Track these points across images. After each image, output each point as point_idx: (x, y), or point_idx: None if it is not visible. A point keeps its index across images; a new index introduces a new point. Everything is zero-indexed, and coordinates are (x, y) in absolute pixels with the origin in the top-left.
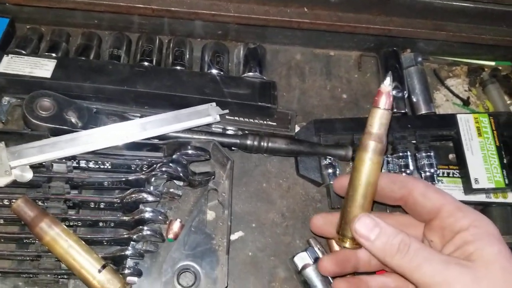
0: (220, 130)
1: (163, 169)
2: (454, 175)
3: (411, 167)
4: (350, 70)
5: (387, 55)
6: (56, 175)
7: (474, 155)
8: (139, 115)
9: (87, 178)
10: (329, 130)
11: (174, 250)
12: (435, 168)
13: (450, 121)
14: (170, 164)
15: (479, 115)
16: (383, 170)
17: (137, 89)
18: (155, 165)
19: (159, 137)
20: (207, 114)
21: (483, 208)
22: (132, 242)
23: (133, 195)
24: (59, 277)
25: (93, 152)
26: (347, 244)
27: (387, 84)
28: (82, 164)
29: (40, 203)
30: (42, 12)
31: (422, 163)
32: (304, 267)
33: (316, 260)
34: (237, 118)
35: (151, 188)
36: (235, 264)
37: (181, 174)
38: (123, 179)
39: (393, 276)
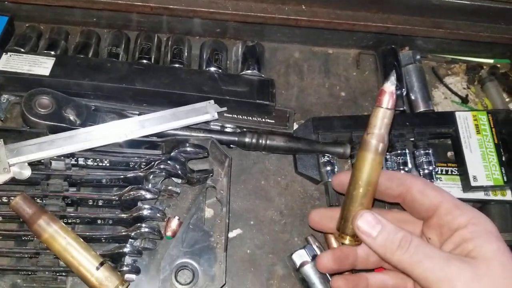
0: (219, 128)
1: (161, 166)
2: (453, 173)
3: (410, 165)
4: (348, 68)
5: (385, 53)
6: (54, 172)
7: (473, 152)
8: (137, 112)
9: (86, 175)
10: (328, 128)
11: (172, 247)
12: (434, 166)
13: (448, 118)
14: (168, 162)
15: (477, 112)
16: None
17: (135, 87)
18: (153, 163)
19: (157, 135)
20: (205, 112)
21: (482, 205)
22: (130, 240)
23: (131, 193)
24: (58, 274)
25: (92, 150)
26: (347, 241)
27: (391, 84)
28: (81, 161)
29: (38, 200)
30: (41, 10)
31: (421, 160)
32: (302, 264)
33: (314, 257)
34: (235, 115)
35: (150, 185)
36: (234, 262)
37: (179, 172)
38: (122, 176)
39: (392, 273)
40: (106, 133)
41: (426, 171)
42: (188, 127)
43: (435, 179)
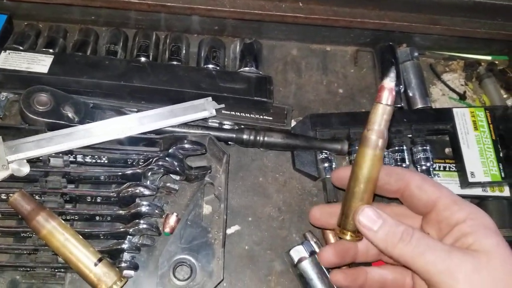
0: (217, 125)
1: (160, 163)
2: (451, 169)
3: (407, 162)
4: (346, 65)
5: (383, 50)
6: (53, 169)
7: (470, 149)
8: (135, 109)
9: (84, 172)
10: (325, 125)
11: (170, 243)
12: (431, 162)
13: (446, 115)
14: (167, 159)
15: (475, 109)
16: None
17: (133, 84)
18: (151, 160)
19: (156, 132)
20: (203, 109)
21: (479, 201)
22: (128, 236)
23: (130, 189)
24: (56, 270)
25: (90, 147)
26: (348, 237)
27: (390, 80)
28: (79, 158)
29: (37, 197)
30: (39, 8)
31: (418, 157)
32: (300, 260)
33: (312, 253)
34: (233, 112)
35: (148, 182)
36: (232, 258)
37: (177, 168)
38: (120, 173)
39: (391, 268)
40: (104, 130)
41: (424, 167)
42: (186, 124)
43: (432, 176)
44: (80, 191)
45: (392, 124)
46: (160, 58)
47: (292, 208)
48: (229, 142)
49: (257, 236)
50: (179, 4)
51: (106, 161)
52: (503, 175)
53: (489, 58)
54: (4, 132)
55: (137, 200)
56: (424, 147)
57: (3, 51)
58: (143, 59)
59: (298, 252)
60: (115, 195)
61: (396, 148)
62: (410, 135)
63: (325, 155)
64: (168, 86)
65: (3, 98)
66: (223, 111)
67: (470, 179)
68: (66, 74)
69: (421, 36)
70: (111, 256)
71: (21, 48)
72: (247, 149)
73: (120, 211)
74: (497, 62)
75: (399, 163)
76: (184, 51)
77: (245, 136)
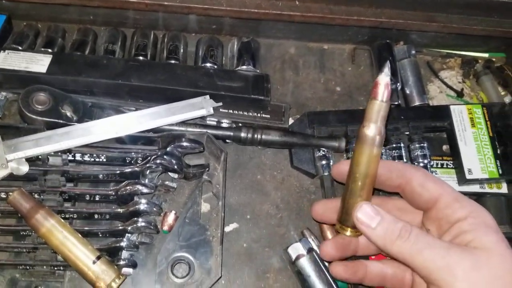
0: (214, 123)
1: (158, 161)
2: (448, 166)
3: (405, 159)
4: (343, 63)
5: (380, 48)
6: (52, 168)
7: (468, 145)
8: (134, 108)
9: (83, 171)
10: (323, 122)
11: (168, 241)
12: (429, 159)
13: (443, 112)
14: (165, 157)
15: (472, 106)
16: None
17: (131, 83)
18: (149, 158)
19: (154, 130)
20: (201, 107)
21: (477, 198)
22: (127, 234)
23: (128, 187)
24: (55, 268)
25: (88, 145)
26: (348, 232)
27: (385, 75)
28: (78, 157)
29: (36, 195)
30: (38, 8)
31: (416, 154)
32: (298, 257)
33: (310, 250)
34: (231, 111)
35: (146, 180)
36: (230, 255)
37: (175, 166)
38: (118, 171)
39: (391, 262)
40: (102, 129)
41: (421, 164)
42: (184, 122)
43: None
44: (79, 189)
45: (389, 121)
46: (158, 57)
47: (290, 205)
48: (227, 140)
49: (255, 233)
50: (177, 3)
51: (104, 160)
52: (500, 172)
53: (486, 55)
54: (4, 131)
55: (136, 198)
56: (422, 144)
57: (2, 51)
58: (141, 58)
59: (296, 250)
60: (113, 193)
61: (394, 145)
62: (408, 133)
63: (323, 153)
64: (166, 84)
65: (2, 98)
66: (221, 109)
67: (468, 176)
68: (64, 74)
69: (418, 33)
70: (110, 254)
71: (20, 48)
72: (245, 147)
73: (119, 209)
74: (494, 59)
75: (396, 160)
76: (182, 50)
77: (243, 134)
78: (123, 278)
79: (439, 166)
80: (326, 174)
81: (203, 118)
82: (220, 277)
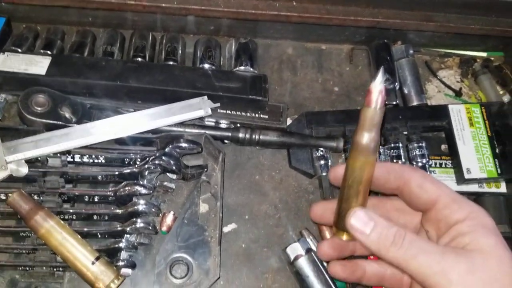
0: (213, 124)
1: (156, 162)
2: (446, 166)
3: (403, 159)
4: (341, 63)
5: (378, 48)
6: (51, 169)
7: (466, 145)
8: (132, 109)
9: (82, 172)
10: (321, 122)
11: (167, 242)
12: (427, 159)
13: (441, 111)
14: (163, 157)
15: (470, 105)
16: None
17: (130, 84)
18: (148, 159)
19: (152, 131)
20: (199, 108)
21: (476, 198)
22: (126, 235)
23: (127, 188)
24: (55, 269)
25: (87, 147)
26: (344, 236)
27: (378, 82)
28: (77, 158)
29: (35, 197)
30: (37, 10)
31: (414, 153)
32: (296, 257)
33: (308, 251)
34: (229, 111)
35: (145, 181)
36: (229, 256)
37: (174, 167)
38: (117, 172)
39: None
40: (101, 130)
41: (420, 164)
42: (182, 123)
43: (428, 172)
44: (78, 190)
45: (387, 121)
46: (156, 59)
47: (289, 205)
48: (225, 141)
49: (254, 234)
50: (174, 5)
51: (103, 161)
52: (499, 171)
53: (484, 54)
54: (3, 133)
55: (134, 199)
56: (420, 144)
57: (1, 53)
58: (139, 59)
59: (294, 250)
60: (112, 194)
61: (392, 145)
62: (406, 132)
63: (321, 153)
64: (164, 86)
65: (2, 100)
66: (219, 110)
67: (466, 176)
68: (63, 75)
69: (415, 33)
70: (109, 255)
71: (19, 50)
72: (243, 147)
73: (117, 210)
74: (492, 59)
75: (394, 160)
76: (180, 51)
77: (241, 135)
78: (122, 278)
79: (437, 165)
80: (324, 174)
81: (201, 118)
82: (219, 277)
